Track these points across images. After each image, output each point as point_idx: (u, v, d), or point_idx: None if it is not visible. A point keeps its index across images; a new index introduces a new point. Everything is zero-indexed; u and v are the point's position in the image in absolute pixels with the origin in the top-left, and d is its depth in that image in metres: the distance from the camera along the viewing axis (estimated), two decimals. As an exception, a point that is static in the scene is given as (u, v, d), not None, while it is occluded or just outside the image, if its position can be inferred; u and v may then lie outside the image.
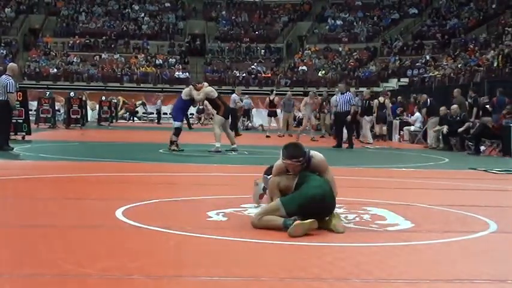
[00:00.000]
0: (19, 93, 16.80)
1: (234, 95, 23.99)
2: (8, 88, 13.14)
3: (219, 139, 14.79)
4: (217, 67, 48.13)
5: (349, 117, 17.72)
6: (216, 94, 14.92)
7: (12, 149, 13.13)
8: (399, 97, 27.02)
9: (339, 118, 18.36)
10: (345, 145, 18.00)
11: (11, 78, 13.33)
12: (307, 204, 5.20)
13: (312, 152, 5.54)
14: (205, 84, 15.39)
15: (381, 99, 23.19)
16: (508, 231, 5.63)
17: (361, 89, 34.58)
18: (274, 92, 27.99)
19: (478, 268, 4.22)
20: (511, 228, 5.80)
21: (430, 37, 44.73)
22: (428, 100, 20.86)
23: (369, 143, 20.52)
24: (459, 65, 32.37)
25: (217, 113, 15.04)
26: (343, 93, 18.19)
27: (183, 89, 16.28)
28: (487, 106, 18.97)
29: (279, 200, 5.30)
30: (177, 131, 14.87)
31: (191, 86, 15.25)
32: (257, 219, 5.28)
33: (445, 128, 18.28)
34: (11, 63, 15.27)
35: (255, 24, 53.73)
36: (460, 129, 17.58)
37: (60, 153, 13.46)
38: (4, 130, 13.42)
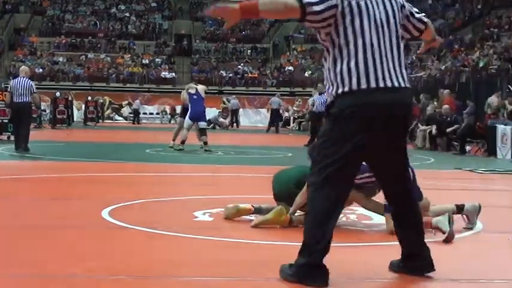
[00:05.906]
0: (5, 93, 16.75)
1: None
2: (33, 89, 13.76)
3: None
4: (204, 67, 48.04)
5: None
6: None
7: (29, 150, 13.26)
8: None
9: (314, 118, 18.06)
10: None
11: (28, 79, 13.93)
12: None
13: None
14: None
15: None
16: (493, 231, 5.67)
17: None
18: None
19: (463, 267, 4.24)
20: (496, 228, 5.84)
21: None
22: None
23: None
24: (444, 66, 32.48)
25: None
26: (321, 94, 17.02)
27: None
28: None
29: None
30: (206, 131, 15.12)
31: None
32: None
33: (433, 128, 18.10)
34: (22, 67, 15.99)
35: (241, 24, 53.65)
36: (449, 129, 17.49)
37: (46, 153, 13.38)
38: (26, 132, 13.76)
